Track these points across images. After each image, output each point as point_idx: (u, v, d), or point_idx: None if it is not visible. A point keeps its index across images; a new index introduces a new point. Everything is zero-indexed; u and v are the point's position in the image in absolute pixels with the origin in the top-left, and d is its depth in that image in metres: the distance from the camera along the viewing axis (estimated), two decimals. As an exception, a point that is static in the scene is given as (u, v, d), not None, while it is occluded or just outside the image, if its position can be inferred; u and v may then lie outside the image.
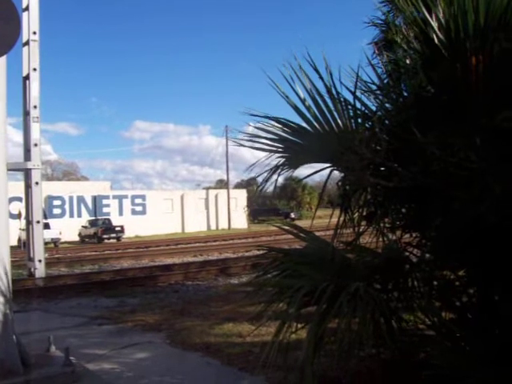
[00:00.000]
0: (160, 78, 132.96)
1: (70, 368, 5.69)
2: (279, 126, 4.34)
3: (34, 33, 5.66)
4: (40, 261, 5.73)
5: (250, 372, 5.82)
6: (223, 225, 56.10)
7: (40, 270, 5.75)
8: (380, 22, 8.06)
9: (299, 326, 3.98)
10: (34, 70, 5.71)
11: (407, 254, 4.33)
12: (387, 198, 4.06)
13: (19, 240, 32.86)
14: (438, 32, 3.47)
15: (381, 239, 4.35)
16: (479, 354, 3.35)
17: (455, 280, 4.04)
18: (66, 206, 46.47)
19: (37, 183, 5.71)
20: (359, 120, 4.12)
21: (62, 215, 45.62)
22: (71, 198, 46.66)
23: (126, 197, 50.58)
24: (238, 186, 66.76)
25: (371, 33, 8.43)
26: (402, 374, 3.91)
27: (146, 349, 7.34)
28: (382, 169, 3.89)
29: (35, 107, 5.72)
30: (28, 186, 5.79)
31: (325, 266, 4.12)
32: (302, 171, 4.58)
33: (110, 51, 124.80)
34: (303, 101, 4.19)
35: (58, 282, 15.17)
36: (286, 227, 4.87)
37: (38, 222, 5.80)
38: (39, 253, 5.73)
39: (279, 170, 4.29)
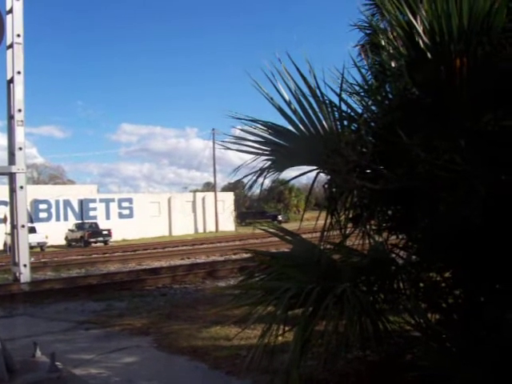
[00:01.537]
0: (147, 81, 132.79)
1: (56, 373, 5.62)
2: (265, 128, 4.35)
3: (18, 35, 5.63)
4: (25, 265, 5.69)
5: (237, 375, 5.80)
6: (210, 228, 55.98)
7: (25, 275, 5.71)
8: (365, 24, 8.08)
9: (286, 328, 3.98)
10: (19, 73, 5.68)
11: (393, 255, 4.35)
12: (373, 200, 4.07)
13: (5, 244, 32.61)
14: (422, 34, 3.49)
15: (367, 241, 4.36)
16: (465, 354, 3.37)
17: (441, 281, 4.06)
18: (53, 210, 46.16)
19: (21, 187, 5.67)
20: (345, 122, 4.13)
21: (48, 219, 45.27)
22: (57, 202, 46.35)
23: (112, 200, 50.33)
24: (225, 188, 66.68)
25: (357, 35, 8.46)
26: (388, 376, 3.92)
27: (133, 353, 7.29)
28: (368, 171, 3.90)
29: (20, 111, 5.69)
30: (13, 190, 5.76)
31: (311, 268, 4.12)
32: (289, 173, 4.59)
33: (95, 54, 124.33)
34: (288, 103, 4.19)
35: (45, 287, 14.96)
36: (272, 230, 4.86)
37: (23, 226, 5.76)
38: (24, 257, 5.69)
39: (265, 173, 4.29)
